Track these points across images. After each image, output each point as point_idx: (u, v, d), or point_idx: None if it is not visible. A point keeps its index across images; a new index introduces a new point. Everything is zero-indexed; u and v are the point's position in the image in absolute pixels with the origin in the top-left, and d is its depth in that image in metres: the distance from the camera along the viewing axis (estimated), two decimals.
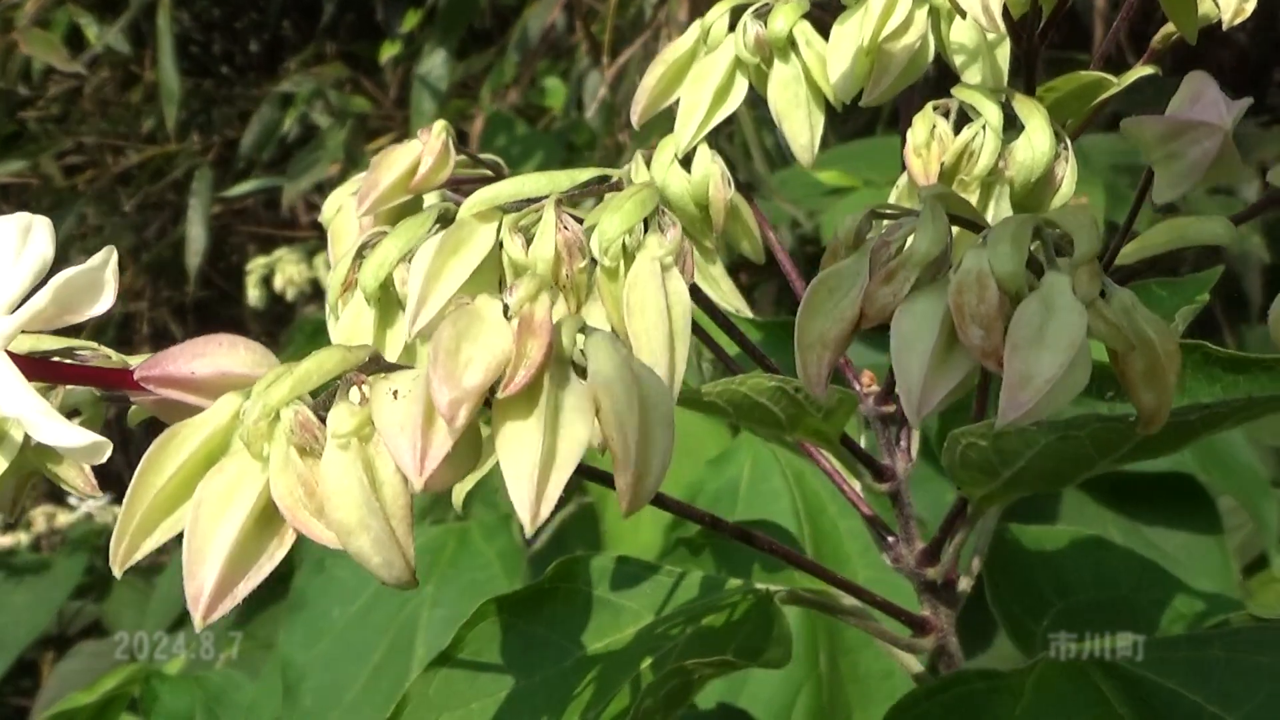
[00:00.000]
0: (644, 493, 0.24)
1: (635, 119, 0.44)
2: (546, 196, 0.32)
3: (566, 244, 0.30)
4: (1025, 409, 0.25)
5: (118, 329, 2.17)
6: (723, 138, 1.80)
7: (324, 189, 1.97)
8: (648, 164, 0.43)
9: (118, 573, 0.25)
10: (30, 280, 0.28)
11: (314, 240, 1.76)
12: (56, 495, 1.63)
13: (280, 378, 0.25)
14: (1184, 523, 1.01)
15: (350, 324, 0.34)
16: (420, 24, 1.85)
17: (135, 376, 0.29)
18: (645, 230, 0.30)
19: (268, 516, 0.25)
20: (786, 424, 0.40)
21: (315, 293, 1.57)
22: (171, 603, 1.52)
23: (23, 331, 0.27)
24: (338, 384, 0.26)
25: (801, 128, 0.41)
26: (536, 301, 0.25)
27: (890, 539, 0.44)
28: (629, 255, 0.30)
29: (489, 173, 0.44)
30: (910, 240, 0.27)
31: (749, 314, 0.44)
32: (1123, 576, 0.59)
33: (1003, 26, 0.34)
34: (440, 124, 0.42)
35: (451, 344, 0.24)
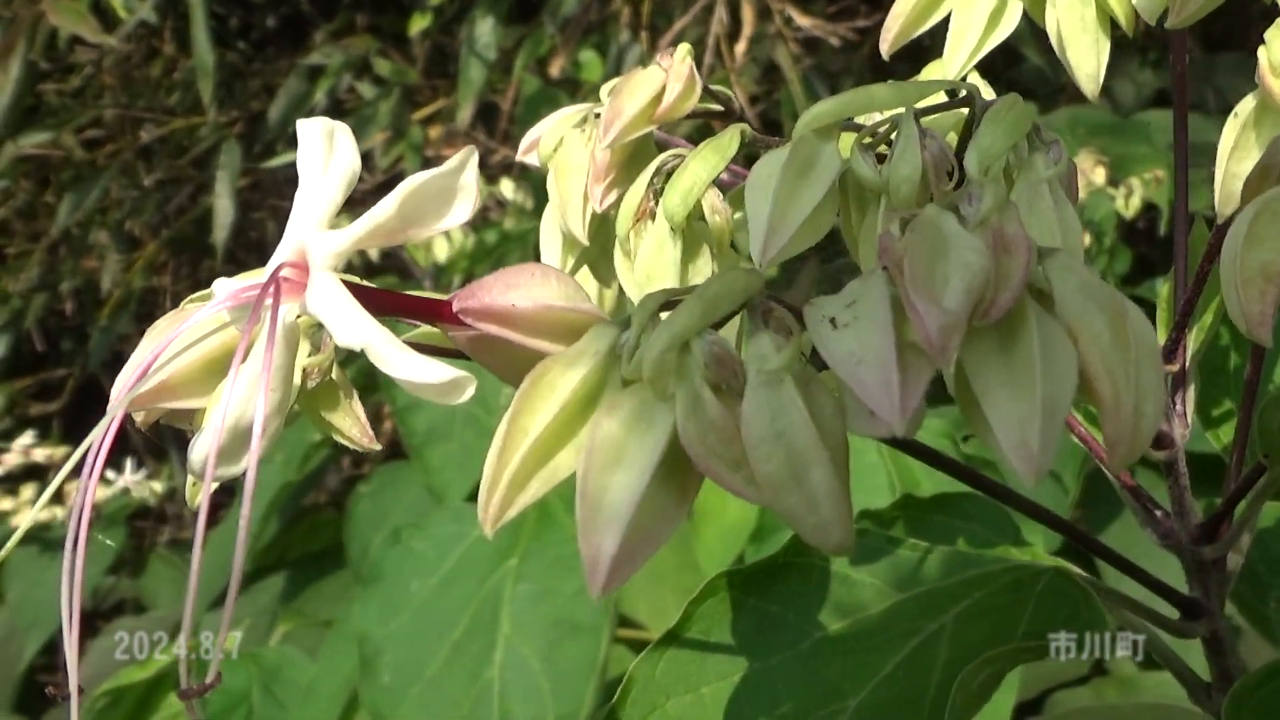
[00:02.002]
0: (1140, 443, 0.20)
1: (885, 48, 0.39)
2: (897, 111, 0.27)
3: (935, 162, 0.26)
4: None
5: (139, 303, 2.12)
6: (765, 99, 1.76)
7: (367, 160, 1.93)
8: None
9: (489, 532, 0.21)
10: (342, 191, 0.24)
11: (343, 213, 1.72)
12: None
13: (687, 304, 0.21)
14: None
15: (651, 258, 0.30)
16: None
17: (454, 308, 0.25)
18: (1029, 148, 0.26)
19: (668, 467, 0.21)
20: None
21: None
22: (211, 579, 1.48)
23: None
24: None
25: (1088, 55, 0.37)
26: (1004, 214, 0.21)
27: (1159, 513, 0.40)
28: (1009, 176, 0.26)
29: (719, 106, 0.40)
30: None
31: None
32: None
33: None
34: (684, 47, 0.38)
35: (925, 261, 0.20)
